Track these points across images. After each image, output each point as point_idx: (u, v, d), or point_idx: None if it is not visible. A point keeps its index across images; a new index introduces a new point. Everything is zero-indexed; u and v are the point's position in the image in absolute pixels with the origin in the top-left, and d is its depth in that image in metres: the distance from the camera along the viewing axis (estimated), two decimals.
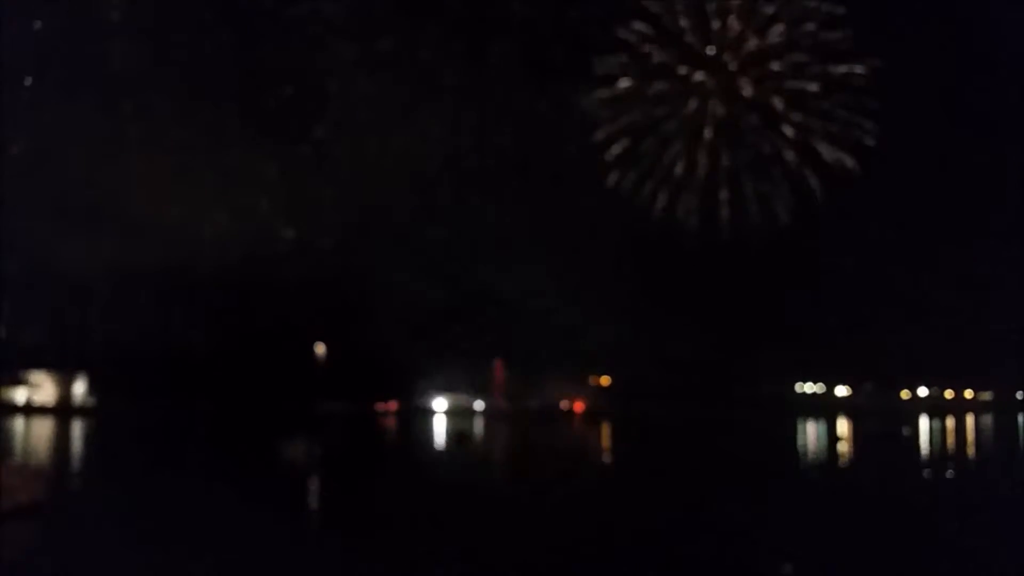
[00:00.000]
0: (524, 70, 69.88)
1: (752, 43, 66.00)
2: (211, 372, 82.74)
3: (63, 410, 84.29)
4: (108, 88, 64.46)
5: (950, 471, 38.16)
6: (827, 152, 68.10)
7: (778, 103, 67.76)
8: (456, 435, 58.87)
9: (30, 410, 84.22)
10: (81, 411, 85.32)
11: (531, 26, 68.04)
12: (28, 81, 56.04)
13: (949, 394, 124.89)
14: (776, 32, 65.36)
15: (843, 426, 79.51)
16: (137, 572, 13.76)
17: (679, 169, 70.53)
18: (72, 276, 72.62)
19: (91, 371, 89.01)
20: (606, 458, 46.69)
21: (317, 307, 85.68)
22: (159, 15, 62.91)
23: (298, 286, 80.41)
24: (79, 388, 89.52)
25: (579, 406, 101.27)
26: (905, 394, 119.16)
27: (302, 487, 28.91)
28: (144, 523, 19.74)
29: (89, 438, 60.76)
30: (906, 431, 72.49)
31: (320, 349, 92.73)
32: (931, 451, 51.46)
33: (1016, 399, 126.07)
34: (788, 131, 68.25)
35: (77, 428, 68.15)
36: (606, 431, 72.18)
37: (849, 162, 68.10)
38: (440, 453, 45.71)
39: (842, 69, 65.58)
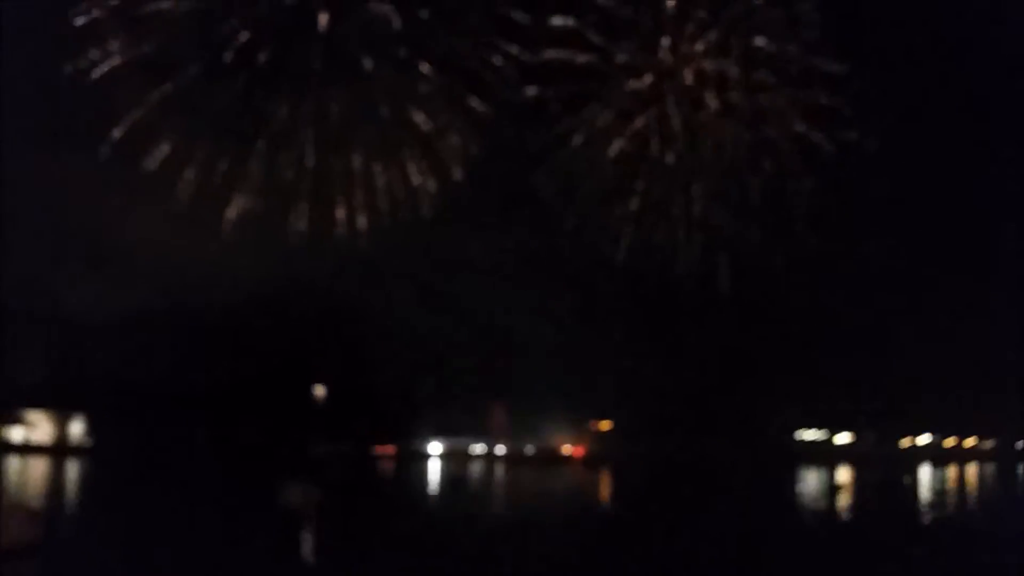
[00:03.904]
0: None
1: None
2: (208, 412, 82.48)
3: (59, 449, 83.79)
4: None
5: (949, 519, 37.97)
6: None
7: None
8: (452, 480, 58.54)
9: (26, 449, 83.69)
10: (77, 451, 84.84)
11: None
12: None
13: (950, 442, 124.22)
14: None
15: (844, 475, 79.09)
16: None
17: (674, 210, 70.60)
18: (70, 315, 72.69)
19: (88, 411, 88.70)
20: (604, 507, 46.41)
21: (316, 348, 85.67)
22: None
23: (298, 326, 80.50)
24: (76, 428, 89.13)
25: (579, 451, 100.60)
26: (906, 442, 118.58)
27: (297, 531, 28.73)
28: (138, 565, 19.61)
29: (85, 478, 60.41)
30: (907, 480, 72.16)
31: (320, 391, 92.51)
32: (932, 500, 51.20)
33: (1016, 449, 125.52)
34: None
35: (73, 468, 67.75)
36: (605, 479, 71.73)
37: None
38: (435, 498, 45.46)
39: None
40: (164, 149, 65.28)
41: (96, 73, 61.93)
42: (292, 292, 75.58)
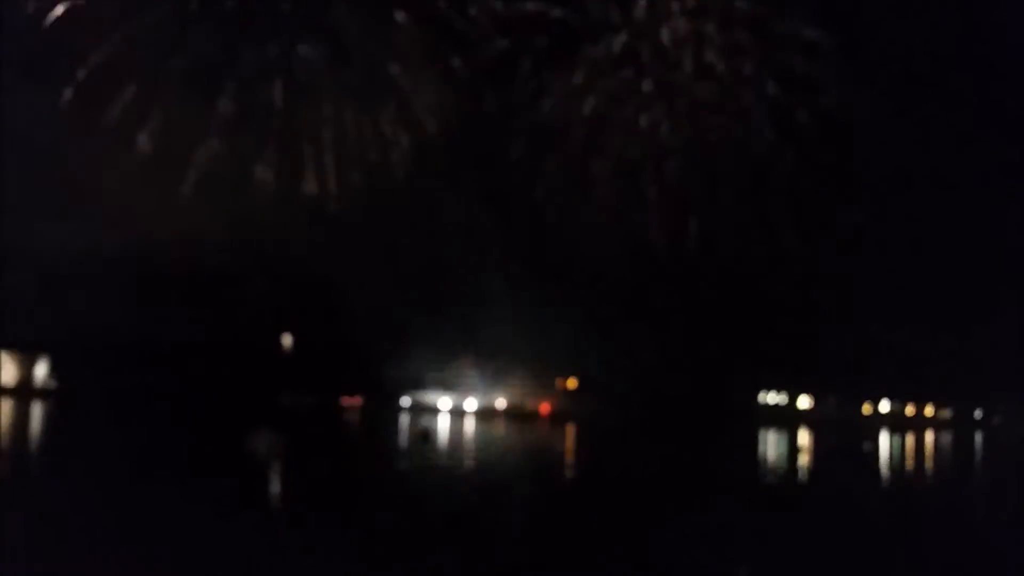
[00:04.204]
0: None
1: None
2: (175, 360, 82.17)
3: (24, 392, 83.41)
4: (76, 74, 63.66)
5: (905, 485, 38.87)
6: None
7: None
8: (420, 433, 58.82)
9: None
10: (43, 393, 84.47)
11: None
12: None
13: (910, 410, 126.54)
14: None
15: (804, 438, 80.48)
16: (89, 552, 13.67)
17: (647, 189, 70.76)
18: (35, 258, 71.76)
19: (53, 355, 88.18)
20: (568, 461, 46.93)
21: (286, 298, 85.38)
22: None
23: (267, 277, 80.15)
24: (40, 370, 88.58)
25: (545, 408, 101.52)
26: (867, 408, 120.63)
27: (261, 479, 28.81)
28: (99, 509, 19.59)
29: (49, 420, 60.11)
30: (867, 446, 73.51)
31: (287, 340, 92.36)
32: (890, 466, 52.29)
33: (974, 418, 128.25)
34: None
35: (38, 410, 67.43)
36: (570, 433, 72.43)
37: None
38: (402, 450, 45.72)
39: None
40: (129, 93, 64.27)
41: (58, 12, 60.54)
42: (260, 242, 75.14)
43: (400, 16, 63.32)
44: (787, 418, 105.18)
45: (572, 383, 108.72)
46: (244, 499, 22.62)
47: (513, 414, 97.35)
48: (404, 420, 78.29)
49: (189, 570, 12.97)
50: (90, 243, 70.03)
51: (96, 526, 16.23)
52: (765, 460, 52.77)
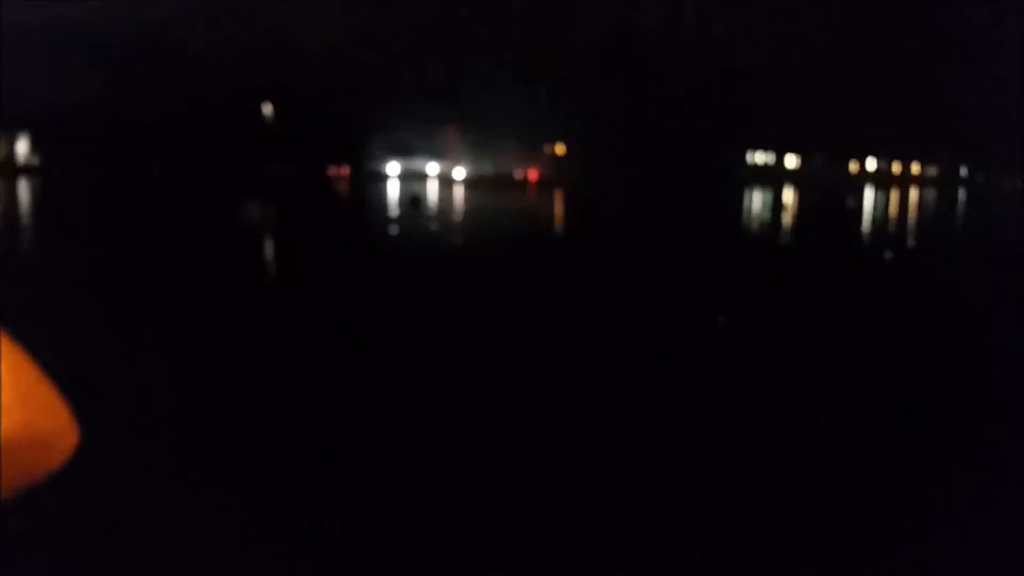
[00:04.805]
0: None
1: None
2: (156, 134, 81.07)
3: (7, 169, 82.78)
4: None
5: (883, 233, 39.87)
6: None
7: None
8: (410, 199, 59.23)
9: None
10: (26, 170, 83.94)
11: None
12: None
13: (896, 168, 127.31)
14: None
15: (788, 195, 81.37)
16: (84, 319, 14.07)
17: None
18: (9, 32, 68.92)
19: (34, 130, 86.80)
20: (557, 223, 47.61)
21: (264, 66, 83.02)
22: None
23: (245, 45, 77.52)
24: (22, 147, 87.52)
25: (533, 174, 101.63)
26: (853, 166, 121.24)
27: (255, 245, 29.20)
28: (92, 271, 19.94)
29: (38, 196, 60.07)
30: (850, 202, 74.56)
31: (267, 109, 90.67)
32: (872, 221, 53.30)
33: (959, 175, 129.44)
34: None
35: (23, 186, 67.23)
36: (559, 198, 72.96)
37: None
38: (394, 216, 46.14)
39: None
40: None
41: None
42: (235, 11, 72.08)
43: None
44: (774, 177, 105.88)
45: (560, 149, 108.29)
46: (242, 268, 23.03)
47: (501, 181, 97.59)
48: (393, 188, 78.42)
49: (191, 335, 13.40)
50: (56, 16, 67.09)
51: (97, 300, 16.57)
52: (749, 217, 53.64)
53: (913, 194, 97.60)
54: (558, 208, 61.17)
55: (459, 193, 75.97)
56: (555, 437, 8.66)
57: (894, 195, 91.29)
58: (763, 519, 6.76)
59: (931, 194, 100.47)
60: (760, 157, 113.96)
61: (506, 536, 6.32)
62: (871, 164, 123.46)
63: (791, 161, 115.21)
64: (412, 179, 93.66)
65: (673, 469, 7.81)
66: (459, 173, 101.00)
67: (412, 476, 7.44)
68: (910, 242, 38.87)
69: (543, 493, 7.13)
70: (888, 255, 31.50)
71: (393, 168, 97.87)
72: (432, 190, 77.69)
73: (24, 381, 0.73)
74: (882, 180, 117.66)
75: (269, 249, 28.75)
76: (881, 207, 70.09)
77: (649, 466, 7.90)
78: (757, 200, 73.50)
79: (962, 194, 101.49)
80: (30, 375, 0.75)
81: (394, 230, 37.34)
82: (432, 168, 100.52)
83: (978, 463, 7.91)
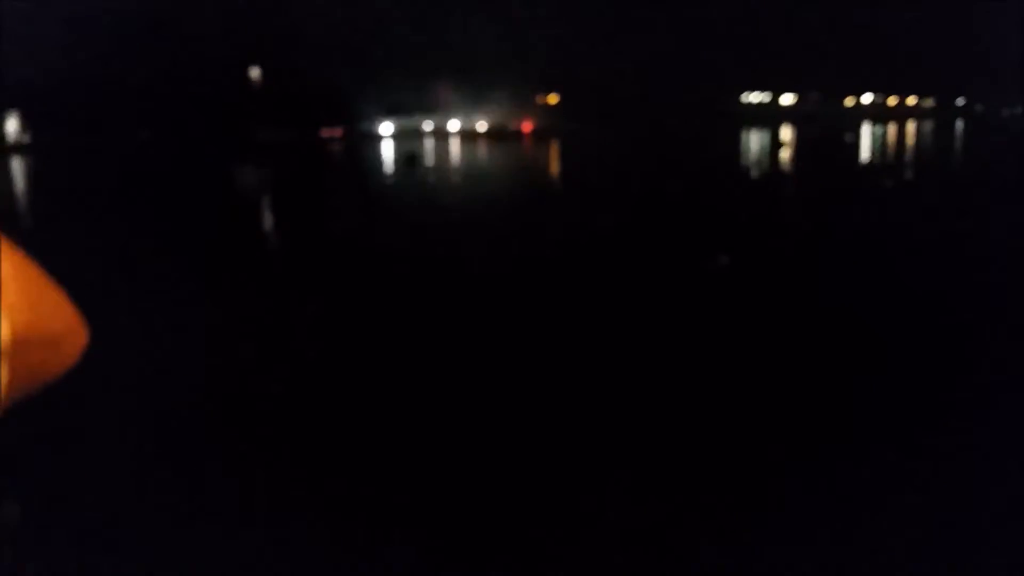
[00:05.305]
0: None
1: None
2: (145, 103, 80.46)
3: None
4: None
5: (881, 166, 39.73)
6: None
7: None
8: (406, 157, 58.89)
9: None
10: (17, 148, 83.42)
11: None
12: None
13: (892, 101, 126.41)
14: None
15: (786, 133, 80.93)
16: (90, 283, 14.07)
17: None
18: None
19: (22, 108, 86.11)
20: (555, 174, 47.40)
21: (252, 31, 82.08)
22: None
23: (232, 9, 76.60)
24: (11, 125, 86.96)
25: (527, 126, 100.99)
26: (849, 101, 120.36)
27: (253, 212, 29.13)
28: (99, 239, 19.89)
29: (32, 173, 59.83)
30: (848, 137, 74.15)
31: (255, 73, 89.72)
32: (870, 155, 53.06)
33: (956, 105, 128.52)
34: None
35: (16, 164, 66.92)
36: (554, 150, 72.56)
37: None
38: (391, 175, 45.96)
39: None
40: None
41: None
42: None
43: None
44: (770, 116, 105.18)
45: (553, 99, 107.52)
46: (241, 230, 23.00)
47: (496, 134, 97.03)
48: (388, 147, 77.96)
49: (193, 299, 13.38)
50: None
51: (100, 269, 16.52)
52: (747, 156, 53.38)
53: (911, 126, 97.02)
54: (554, 159, 60.88)
55: (455, 148, 75.57)
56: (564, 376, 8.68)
57: (892, 128, 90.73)
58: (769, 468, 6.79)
59: (928, 126, 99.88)
60: (756, 97, 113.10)
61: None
62: (867, 99, 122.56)
63: (787, 99, 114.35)
64: (407, 137, 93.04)
65: (669, 399, 7.85)
66: (453, 126, 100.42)
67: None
68: (907, 172, 38.74)
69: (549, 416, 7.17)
70: (888, 183, 31.46)
71: (387, 127, 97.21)
72: (428, 147, 77.22)
73: (30, 283, 0.74)
74: (879, 114, 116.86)
75: (267, 217, 28.67)
76: (879, 140, 69.75)
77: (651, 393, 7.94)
78: (755, 140, 73.10)
79: (959, 125, 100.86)
80: (35, 277, 0.75)
81: (391, 190, 37.22)
82: (427, 125, 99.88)
83: (979, 396, 7.94)
